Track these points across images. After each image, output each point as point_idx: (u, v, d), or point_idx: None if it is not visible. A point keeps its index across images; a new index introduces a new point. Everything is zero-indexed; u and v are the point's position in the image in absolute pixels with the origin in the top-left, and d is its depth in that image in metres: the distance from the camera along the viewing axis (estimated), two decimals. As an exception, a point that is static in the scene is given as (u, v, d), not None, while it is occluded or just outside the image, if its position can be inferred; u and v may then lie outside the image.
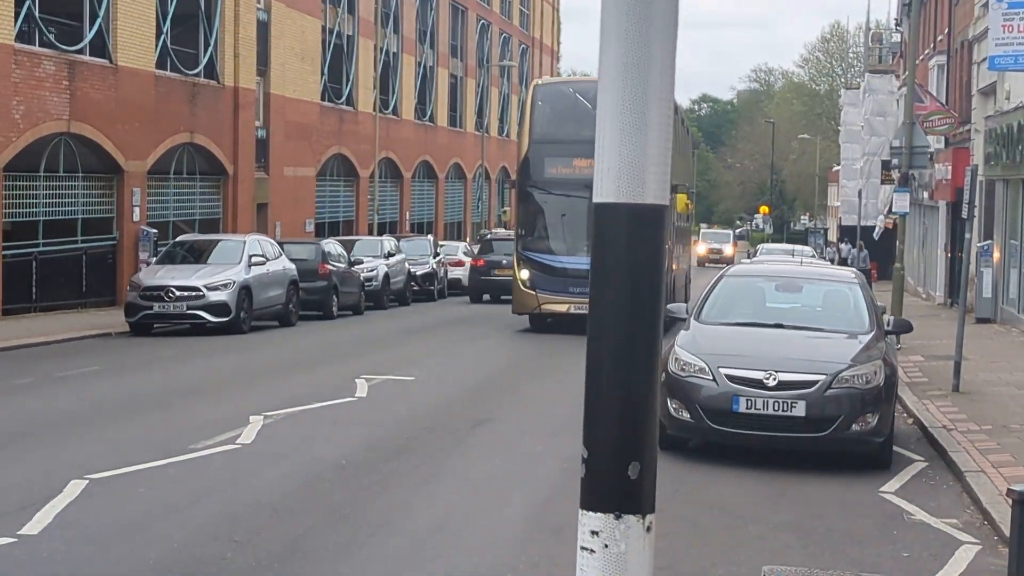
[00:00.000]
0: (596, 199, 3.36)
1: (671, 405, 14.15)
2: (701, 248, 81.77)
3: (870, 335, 14.85)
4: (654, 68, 3.27)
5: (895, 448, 14.50)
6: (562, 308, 29.31)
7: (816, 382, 13.68)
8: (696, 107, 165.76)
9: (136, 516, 10.56)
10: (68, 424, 15.32)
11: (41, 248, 33.09)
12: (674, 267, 35.52)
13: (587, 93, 32.17)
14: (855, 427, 13.67)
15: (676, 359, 14.28)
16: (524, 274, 29.96)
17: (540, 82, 33.02)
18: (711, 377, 13.85)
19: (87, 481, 11.72)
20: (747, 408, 13.66)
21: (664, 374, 14.38)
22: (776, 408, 13.60)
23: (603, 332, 3.42)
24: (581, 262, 28.22)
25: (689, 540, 10.49)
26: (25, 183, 32.20)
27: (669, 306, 16.43)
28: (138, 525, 10.23)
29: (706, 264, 75.53)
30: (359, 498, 11.47)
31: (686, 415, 14.01)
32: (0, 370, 21.04)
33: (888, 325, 15.93)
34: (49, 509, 10.61)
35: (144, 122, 36.43)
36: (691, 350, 14.33)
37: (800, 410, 13.58)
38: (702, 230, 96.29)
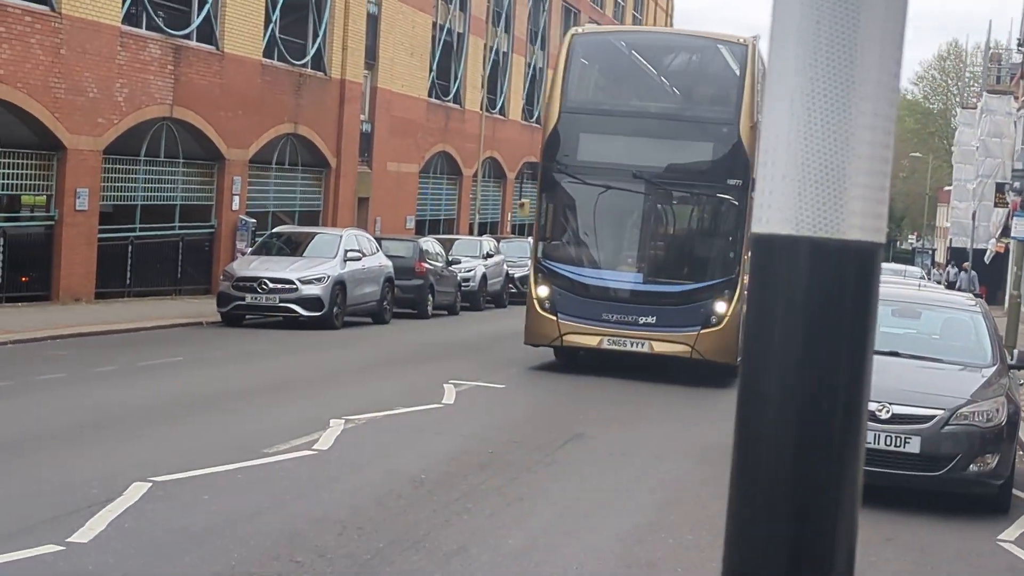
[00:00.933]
0: (756, 228, 2.16)
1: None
2: None
3: (993, 369, 13.85)
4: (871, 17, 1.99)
5: (1013, 491, 13.48)
6: (592, 341, 21.76)
7: (933, 417, 12.72)
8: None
9: (196, 527, 9.87)
10: (141, 419, 14.71)
11: (138, 233, 32.78)
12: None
13: (644, 49, 24.94)
14: (973, 468, 12.69)
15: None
16: (542, 291, 22.04)
17: (580, 31, 24.75)
18: (820, 406, 12.91)
19: (150, 484, 11.04)
20: (857, 441, 12.70)
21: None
22: (888, 443, 12.66)
23: (764, 433, 2.08)
24: (622, 280, 21.94)
25: (791, 588, 9.59)
26: (125, 166, 31.91)
27: None
28: (196, 537, 9.53)
29: None
30: (436, 518, 10.70)
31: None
32: (85, 356, 20.57)
33: (1012, 358, 14.93)
34: (105, 514, 9.94)
35: (248, 111, 36.03)
36: (799, 375, 13.41)
37: (914, 446, 12.62)
38: None
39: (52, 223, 29.25)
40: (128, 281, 32.54)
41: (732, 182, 21.33)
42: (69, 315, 26.28)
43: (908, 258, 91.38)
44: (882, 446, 12.63)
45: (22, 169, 28.25)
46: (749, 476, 2.05)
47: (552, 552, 10.00)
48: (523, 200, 27.13)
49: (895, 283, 20.93)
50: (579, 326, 21.69)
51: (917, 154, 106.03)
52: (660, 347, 21.38)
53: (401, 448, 13.84)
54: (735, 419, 2.11)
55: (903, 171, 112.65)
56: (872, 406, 12.74)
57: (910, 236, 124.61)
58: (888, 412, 12.70)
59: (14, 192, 29.15)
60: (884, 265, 33.74)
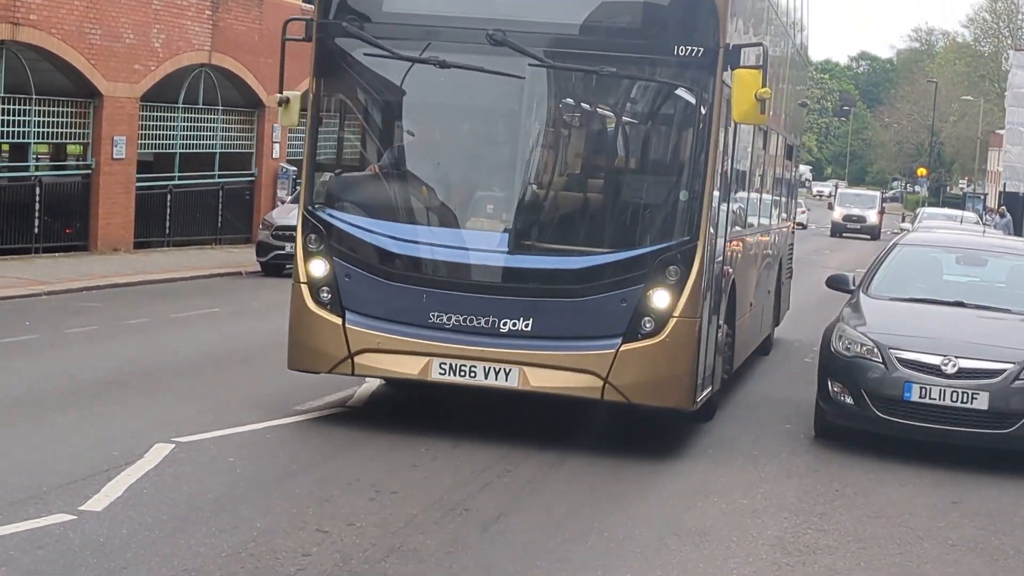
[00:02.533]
0: None
1: (832, 388, 12.59)
2: (836, 213, 64.79)
3: (1065, 319, 13.07)
4: None
5: (1086, 449, 12.74)
6: (409, 366, 11.47)
7: (1002, 371, 11.98)
8: (854, 64, 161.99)
9: (218, 492, 9.28)
10: (169, 374, 14.13)
11: (177, 181, 32.21)
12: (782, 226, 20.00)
13: None
14: (1045, 425, 11.95)
15: (841, 336, 12.69)
16: (317, 268, 11.76)
17: None
18: (881, 360, 12.22)
19: (173, 445, 10.46)
20: (920, 397, 12.02)
21: (826, 352, 12.88)
22: (954, 399, 11.95)
23: None
24: (470, 246, 11.57)
25: (856, 559, 8.93)
26: (163, 114, 31.33)
27: (833, 275, 14.77)
28: (218, 505, 8.94)
29: (843, 234, 61.77)
30: (474, 482, 10.08)
31: (848, 400, 12.43)
32: (118, 308, 20.05)
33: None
34: (123, 479, 9.36)
35: (288, 57, 35.25)
36: (859, 327, 12.73)
37: (982, 402, 11.90)
38: (839, 190, 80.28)
39: (89, 172, 28.73)
40: (167, 230, 31.98)
41: (685, 51, 11.18)
42: (106, 265, 25.79)
43: (959, 203, 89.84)
44: (947, 402, 11.94)
45: (59, 117, 27.70)
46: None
47: (596, 519, 9.37)
48: (286, 94, 12.27)
49: (956, 230, 19.79)
50: (385, 336, 11.46)
51: (968, 97, 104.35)
52: (540, 377, 11.28)
53: (441, 404, 13.20)
54: None
55: (953, 115, 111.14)
56: (936, 360, 12.08)
57: (960, 181, 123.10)
58: (954, 366, 11.98)
59: (52, 140, 28.70)
60: (937, 211, 31.24)
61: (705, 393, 12.02)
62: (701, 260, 11.25)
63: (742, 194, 14.69)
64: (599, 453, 11.52)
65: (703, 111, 11.35)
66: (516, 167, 11.70)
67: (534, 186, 11.86)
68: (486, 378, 11.32)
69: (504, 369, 11.29)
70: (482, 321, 11.30)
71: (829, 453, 12.33)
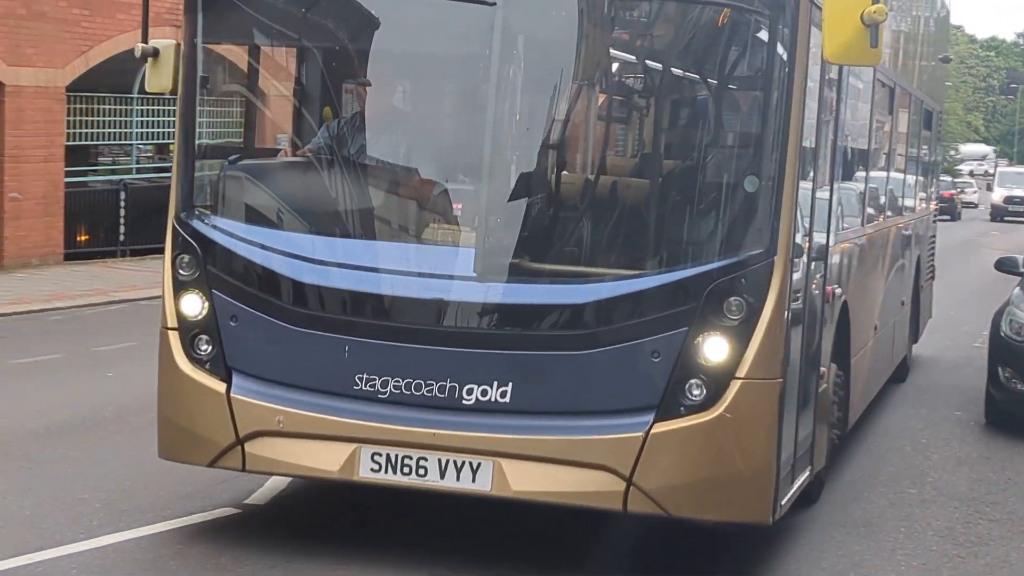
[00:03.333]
0: None
1: (1002, 374, 12.32)
2: (996, 195, 59.08)
3: None
4: None
5: None
6: (329, 461, 7.47)
7: None
8: (1021, 40, 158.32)
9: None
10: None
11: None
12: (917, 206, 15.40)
13: None
14: None
15: (1011, 320, 12.38)
16: (190, 307, 7.74)
17: None
18: (1053, 344, 11.91)
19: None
20: (1095, 382, 11.68)
21: (995, 337, 12.58)
22: None
23: None
24: (424, 270, 7.56)
25: (1030, 550, 8.71)
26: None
27: (1003, 257, 14.39)
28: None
29: (1004, 218, 56.10)
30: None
31: (1020, 386, 12.15)
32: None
33: None
34: (286, 472, 9.51)
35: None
36: (1030, 311, 12.41)
37: None
38: (999, 170, 72.57)
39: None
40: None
41: None
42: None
43: None
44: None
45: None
46: None
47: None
48: (152, 44, 8.13)
49: None
50: (289, 412, 7.55)
51: None
52: (526, 477, 7.25)
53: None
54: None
55: None
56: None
57: None
58: None
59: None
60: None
61: (795, 487, 8.09)
62: (783, 284, 7.16)
63: (859, 174, 10.87)
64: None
65: (780, 50, 7.17)
66: (486, 146, 7.49)
67: (515, 175, 7.62)
68: (442, 477, 7.35)
69: (469, 464, 7.31)
70: (435, 388, 7.30)
71: (1000, 440, 12.03)
